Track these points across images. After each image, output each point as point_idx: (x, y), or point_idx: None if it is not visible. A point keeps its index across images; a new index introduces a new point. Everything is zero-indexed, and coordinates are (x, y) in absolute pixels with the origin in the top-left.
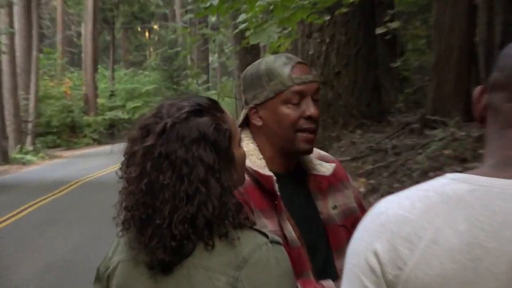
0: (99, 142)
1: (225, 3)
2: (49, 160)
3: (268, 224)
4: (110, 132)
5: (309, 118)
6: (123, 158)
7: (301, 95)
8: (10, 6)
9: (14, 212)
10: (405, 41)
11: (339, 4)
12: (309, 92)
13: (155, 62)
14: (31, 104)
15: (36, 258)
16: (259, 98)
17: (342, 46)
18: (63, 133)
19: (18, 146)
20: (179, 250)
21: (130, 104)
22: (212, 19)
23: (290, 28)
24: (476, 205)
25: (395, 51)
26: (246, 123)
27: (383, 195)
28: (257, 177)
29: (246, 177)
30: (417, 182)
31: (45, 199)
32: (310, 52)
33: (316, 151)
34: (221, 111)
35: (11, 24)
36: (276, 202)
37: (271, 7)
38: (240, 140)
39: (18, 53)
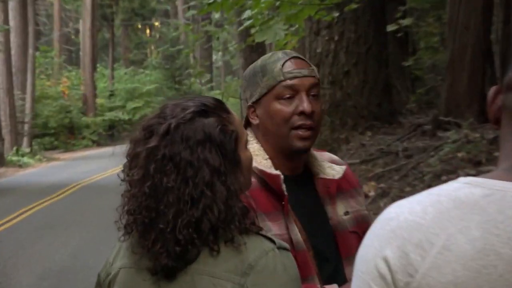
0: (98, 143)
1: None
2: (47, 162)
3: (272, 227)
4: (109, 133)
5: (302, 114)
6: (123, 161)
7: (294, 90)
8: (5, 2)
9: (11, 217)
10: (417, 39)
11: (348, 0)
12: (303, 87)
13: (156, 61)
14: (28, 104)
15: (33, 264)
16: (255, 96)
17: (351, 44)
18: (61, 134)
19: (15, 148)
20: (183, 255)
21: (131, 105)
22: (216, 15)
23: (297, 25)
24: (490, 210)
25: (407, 49)
26: (249, 123)
27: (394, 199)
28: (263, 177)
29: (252, 178)
30: (429, 186)
31: (42, 203)
32: (318, 50)
33: (328, 154)
34: (227, 112)
35: (6, 21)
36: (283, 203)
37: (278, 3)
38: (246, 142)
39: (14, 51)
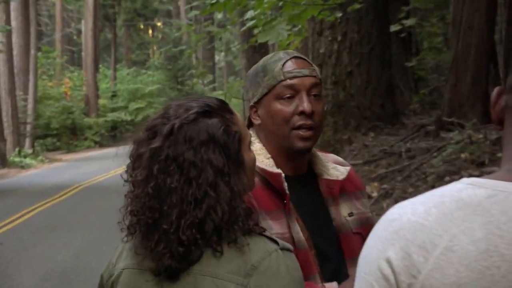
0: (100, 144)
1: None
2: (49, 163)
3: (274, 226)
4: (112, 134)
5: (302, 114)
6: (126, 161)
7: (294, 90)
8: (6, 2)
9: (13, 218)
10: (420, 39)
11: (351, 0)
12: (303, 86)
13: (158, 61)
14: (30, 105)
15: (36, 265)
16: (256, 96)
17: (354, 45)
18: (63, 135)
19: (17, 149)
20: (186, 256)
21: (133, 105)
22: (219, 16)
23: (300, 26)
24: (493, 211)
25: (410, 49)
26: (252, 123)
27: (397, 200)
28: (265, 176)
29: None
30: (432, 186)
31: (45, 204)
32: (321, 51)
33: (333, 156)
34: (231, 112)
35: (7, 21)
36: (285, 202)
37: (280, 4)
38: (250, 143)
39: (16, 51)
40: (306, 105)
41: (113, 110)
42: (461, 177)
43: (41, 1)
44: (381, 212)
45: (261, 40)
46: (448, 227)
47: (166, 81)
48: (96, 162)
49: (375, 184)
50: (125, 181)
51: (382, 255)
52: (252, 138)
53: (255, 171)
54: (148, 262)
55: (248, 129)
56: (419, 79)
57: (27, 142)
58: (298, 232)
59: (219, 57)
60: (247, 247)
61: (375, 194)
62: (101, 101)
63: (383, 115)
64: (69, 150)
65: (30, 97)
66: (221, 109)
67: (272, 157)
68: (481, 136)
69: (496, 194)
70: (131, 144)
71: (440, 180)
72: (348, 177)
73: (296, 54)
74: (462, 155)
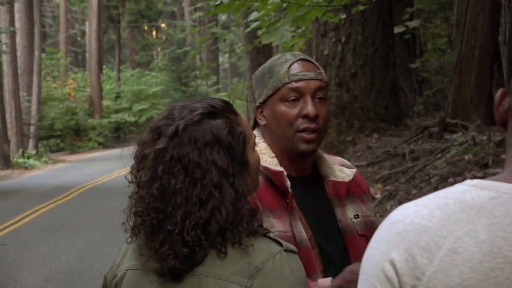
0: (104, 146)
1: (236, 1)
2: (53, 164)
3: (276, 224)
4: (115, 135)
5: (306, 117)
6: (130, 163)
7: (299, 92)
8: (11, 3)
9: (17, 219)
10: (424, 41)
11: (355, 2)
12: (308, 89)
13: (162, 63)
14: (34, 106)
15: (39, 266)
16: (262, 96)
17: (358, 46)
18: (67, 136)
19: (20, 150)
20: (190, 257)
21: (137, 106)
22: (223, 17)
23: (304, 27)
24: (497, 213)
25: (414, 51)
26: (257, 123)
27: (400, 201)
28: (268, 174)
29: None
30: (435, 188)
31: (48, 205)
32: (325, 52)
33: (339, 159)
34: (235, 113)
35: (12, 22)
36: (287, 200)
37: (284, 5)
38: (254, 144)
39: (20, 52)
40: (310, 109)
41: (117, 111)
42: (464, 178)
43: (45, 3)
44: (384, 213)
45: (265, 41)
46: (452, 229)
47: (170, 82)
48: (99, 163)
49: (379, 185)
50: (129, 182)
51: (385, 257)
52: (257, 138)
53: (259, 171)
54: (152, 263)
55: (254, 129)
56: (423, 80)
57: (31, 143)
58: (301, 231)
59: (223, 58)
60: (251, 248)
61: (378, 196)
62: (105, 102)
63: (387, 117)
64: (73, 151)
65: (34, 98)
66: (225, 110)
67: (277, 157)
68: (485, 137)
69: (499, 196)
70: (136, 145)
71: (443, 181)
72: (354, 180)
73: (303, 56)
74: (466, 157)
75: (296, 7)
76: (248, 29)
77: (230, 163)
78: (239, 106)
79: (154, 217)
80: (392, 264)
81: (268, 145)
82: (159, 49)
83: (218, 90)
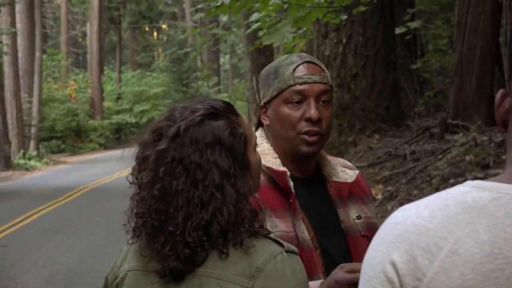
0: (105, 147)
1: (237, 2)
2: (54, 165)
3: (279, 224)
4: (116, 136)
5: (309, 120)
6: (130, 164)
7: (303, 95)
8: (12, 4)
9: (18, 220)
10: (425, 42)
11: (356, 3)
12: (312, 92)
13: (163, 64)
14: (35, 107)
15: (40, 267)
16: (266, 97)
17: (359, 47)
18: (68, 137)
19: (21, 151)
20: (192, 258)
21: (138, 108)
22: (224, 18)
23: (305, 28)
24: (498, 213)
25: (415, 52)
26: (261, 123)
27: (401, 202)
28: (271, 175)
29: (261, 176)
30: (436, 189)
31: (49, 206)
32: (326, 53)
33: (341, 160)
34: (237, 114)
35: (13, 24)
36: (290, 200)
37: (285, 6)
38: (255, 145)
39: (21, 54)
40: (313, 112)
41: (118, 112)
42: (465, 179)
43: (46, 4)
44: (385, 214)
45: (266, 42)
46: (453, 230)
47: (171, 83)
48: (100, 164)
49: (380, 186)
50: (130, 183)
51: (386, 258)
52: (261, 138)
53: (260, 172)
54: (154, 264)
55: (257, 128)
56: (424, 81)
57: (32, 144)
58: (303, 232)
59: (224, 59)
60: (252, 249)
61: (379, 197)
62: (106, 104)
63: (388, 117)
64: (74, 152)
65: (35, 99)
66: (226, 111)
67: (279, 158)
68: (486, 138)
69: (500, 197)
70: (137, 147)
71: (444, 182)
72: (356, 181)
73: (309, 58)
74: (467, 157)
75: (297, 8)
76: (249, 30)
77: (232, 164)
78: (240, 107)
79: (156, 218)
80: (393, 265)
81: (271, 145)
82: (160, 50)
83: (219, 91)
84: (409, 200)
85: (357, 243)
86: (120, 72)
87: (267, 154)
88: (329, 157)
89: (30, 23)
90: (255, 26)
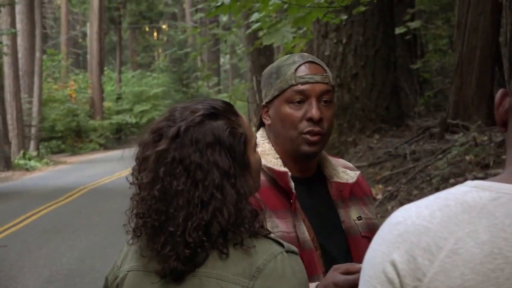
0: (105, 147)
1: (237, 2)
2: (54, 166)
3: (280, 225)
4: (117, 136)
5: (311, 120)
6: (131, 164)
7: (304, 95)
8: (12, 5)
9: (18, 220)
10: (425, 42)
11: (356, 3)
12: (313, 92)
13: (163, 64)
14: (35, 107)
15: (40, 268)
16: (268, 96)
17: (359, 47)
18: (68, 138)
19: (21, 152)
20: (192, 258)
21: (138, 108)
22: (224, 18)
23: (305, 28)
24: (498, 213)
25: (415, 52)
26: (263, 123)
27: (401, 202)
28: (272, 175)
29: (261, 176)
30: (436, 189)
31: (49, 206)
32: (326, 53)
33: (342, 161)
34: (237, 114)
35: (13, 24)
36: (291, 201)
37: (285, 6)
38: (255, 145)
39: (21, 54)
40: (314, 112)
41: (118, 112)
42: (465, 179)
43: (46, 4)
44: (385, 214)
45: (266, 42)
46: (453, 230)
47: (171, 83)
48: (101, 164)
49: (380, 186)
50: (131, 183)
51: (386, 258)
52: (262, 138)
53: (261, 172)
54: (154, 264)
55: (259, 128)
56: (424, 81)
57: (32, 144)
58: (304, 232)
59: (224, 59)
60: (253, 249)
61: (379, 196)
62: (106, 104)
63: (388, 117)
64: (74, 153)
65: (35, 99)
66: (226, 111)
67: (281, 158)
68: (486, 138)
69: (500, 197)
70: (137, 147)
71: (445, 182)
72: (357, 182)
73: (311, 58)
74: (467, 157)
75: (297, 8)
76: (249, 30)
77: (232, 164)
78: (240, 107)
79: (156, 219)
80: (393, 265)
81: (272, 145)
82: (160, 51)
83: (219, 91)
84: (409, 200)
85: (357, 243)
86: (120, 72)
87: (268, 155)
88: (330, 158)
89: (30, 23)
90: (255, 26)
